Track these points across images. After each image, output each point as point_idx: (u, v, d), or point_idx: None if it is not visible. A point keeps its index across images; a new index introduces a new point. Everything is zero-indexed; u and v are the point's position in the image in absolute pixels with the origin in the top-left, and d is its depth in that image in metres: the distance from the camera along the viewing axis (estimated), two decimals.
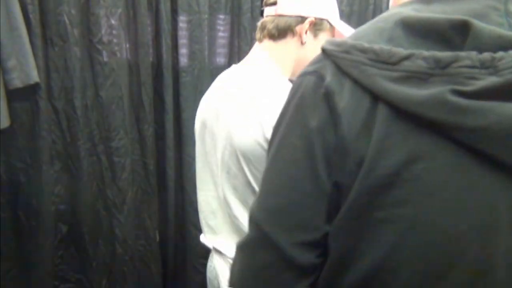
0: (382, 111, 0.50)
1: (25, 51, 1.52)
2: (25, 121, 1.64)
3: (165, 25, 1.79)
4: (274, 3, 1.03)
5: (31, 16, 1.55)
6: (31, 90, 1.60)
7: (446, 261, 0.50)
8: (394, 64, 0.49)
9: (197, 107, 1.18)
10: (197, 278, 1.96)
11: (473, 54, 0.47)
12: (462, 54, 0.48)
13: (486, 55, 0.47)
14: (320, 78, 0.54)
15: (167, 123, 1.87)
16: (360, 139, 0.50)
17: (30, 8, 1.54)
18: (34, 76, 1.55)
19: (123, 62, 1.75)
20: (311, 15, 1.00)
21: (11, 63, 1.50)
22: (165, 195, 1.93)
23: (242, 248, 0.60)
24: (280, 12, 1.01)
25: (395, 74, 0.49)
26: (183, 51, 1.88)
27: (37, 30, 1.57)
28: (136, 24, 1.76)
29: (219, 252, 1.10)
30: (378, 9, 2.26)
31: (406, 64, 0.49)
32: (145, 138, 1.84)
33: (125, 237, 1.83)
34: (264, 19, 1.05)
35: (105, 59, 1.71)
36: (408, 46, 0.50)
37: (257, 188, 0.96)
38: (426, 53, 0.48)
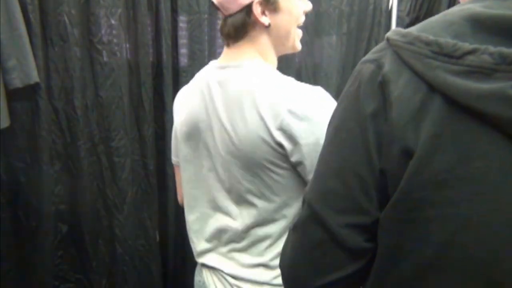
0: (437, 104, 0.49)
1: (25, 51, 1.52)
2: (25, 121, 1.64)
3: (165, 25, 1.79)
4: (218, 8, 0.94)
5: (31, 16, 1.55)
6: (31, 90, 1.60)
7: (498, 263, 0.49)
8: (457, 58, 0.48)
9: None
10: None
11: None
12: None
13: None
14: (379, 66, 0.54)
15: (167, 123, 1.86)
16: (408, 128, 0.50)
17: (30, 8, 1.54)
18: (34, 76, 1.55)
19: (123, 62, 1.75)
20: None
21: (11, 63, 1.50)
22: (165, 195, 1.93)
23: (295, 228, 0.61)
24: (227, 13, 0.92)
25: (457, 67, 0.48)
26: (183, 51, 1.88)
27: (37, 30, 1.57)
28: (136, 24, 1.76)
29: (211, 268, 1.04)
30: (378, 9, 2.25)
31: (470, 59, 0.47)
32: (145, 138, 1.84)
33: (125, 237, 1.83)
34: (220, 24, 0.97)
35: (105, 59, 1.71)
36: (474, 42, 0.48)
37: (271, 195, 0.90)
38: (492, 48, 0.46)
